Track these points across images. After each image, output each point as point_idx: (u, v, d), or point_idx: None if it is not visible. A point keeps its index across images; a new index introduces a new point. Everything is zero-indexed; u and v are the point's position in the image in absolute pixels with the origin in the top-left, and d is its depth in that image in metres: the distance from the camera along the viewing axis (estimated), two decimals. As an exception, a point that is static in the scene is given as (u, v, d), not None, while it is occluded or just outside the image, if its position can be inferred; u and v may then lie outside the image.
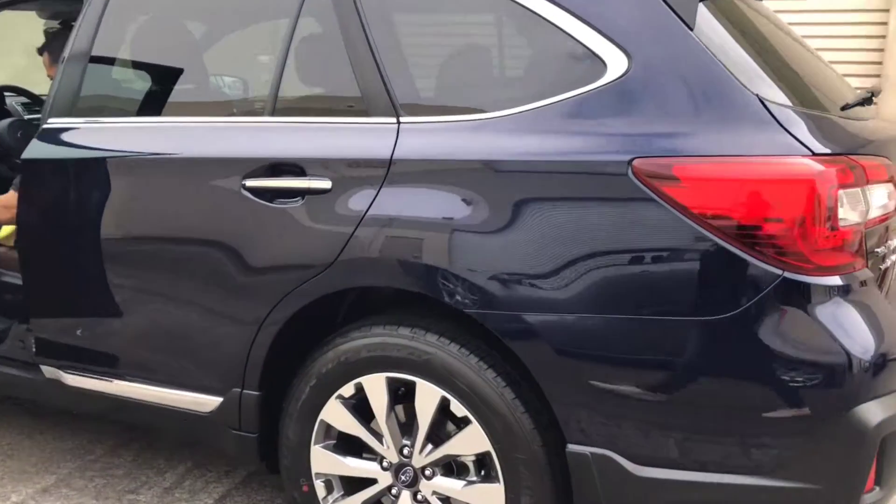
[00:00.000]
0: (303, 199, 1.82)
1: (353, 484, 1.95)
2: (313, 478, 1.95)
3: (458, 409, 1.76)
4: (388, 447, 1.86)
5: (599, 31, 1.64)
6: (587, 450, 1.64)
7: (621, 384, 1.60)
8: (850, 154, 1.56)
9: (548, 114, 1.66)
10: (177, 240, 2.01)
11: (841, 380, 1.49)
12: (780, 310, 1.49)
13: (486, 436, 1.74)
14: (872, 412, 1.49)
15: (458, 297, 1.69)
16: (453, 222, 1.69)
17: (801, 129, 1.52)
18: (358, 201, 1.77)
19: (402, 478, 1.87)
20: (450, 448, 1.80)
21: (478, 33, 1.87)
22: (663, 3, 1.62)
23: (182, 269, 1.99)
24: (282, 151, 1.87)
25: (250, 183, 1.87)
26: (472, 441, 1.77)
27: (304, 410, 1.93)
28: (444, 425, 1.84)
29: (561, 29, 1.68)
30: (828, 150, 1.51)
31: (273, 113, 1.93)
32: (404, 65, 1.84)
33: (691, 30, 1.60)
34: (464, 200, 1.68)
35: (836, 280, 1.50)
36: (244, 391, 1.98)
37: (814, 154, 1.49)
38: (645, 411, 1.60)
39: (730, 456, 1.56)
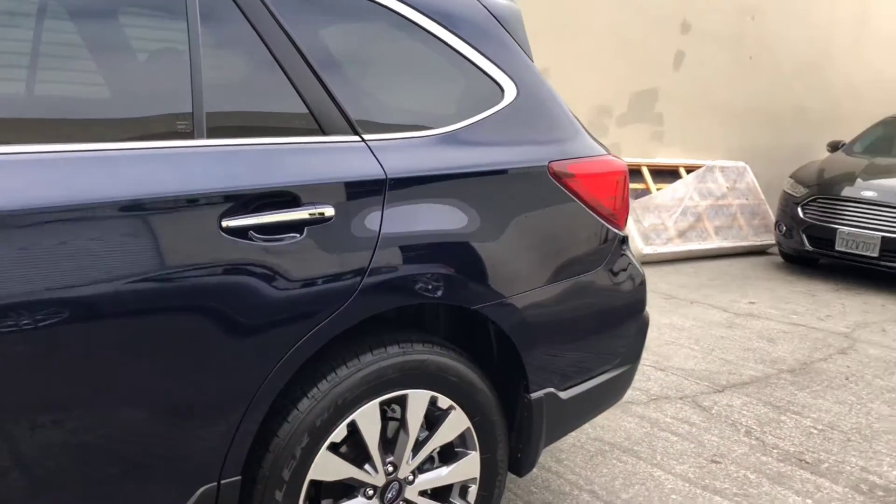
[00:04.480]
0: (301, 231, 1.58)
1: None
2: (300, 549, 1.72)
3: (443, 402, 1.89)
4: (378, 472, 1.82)
5: (495, 62, 2.02)
6: (541, 392, 2.07)
7: (561, 334, 2.08)
8: (606, 151, 2.40)
9: (478, 129, 1.94)
10: (120, 316, 1.38)
11: (644, 290, 2.36)
12: (619, 256, 2.25)
13: (465, 416, 1.94)
14: (647, 310, 2.42)
15: (472, 298, 1.84)
16: (457, 231, 1.81)
17: (590, 136, 2.28)
18: (369, 225, 1.67)
19: (389, 496, 1.86)
20: (435, 442, 1.91)
21: (408, 57, 1.88)
22: (514, 41, 2.10)
23: (122, 350, 1.40)
24: (263, 181, 1.54)
25: (230, 223, 1.49)
26: (454, 426, 1.94)
27: (294, 478, 1.67)
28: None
29: (469, 59, 1.97)
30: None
31: (207, 135, 1.53)
32: (347, 80, 1.75)
33: (532, 62, 2.14)
34: (457, 210, 1.82)
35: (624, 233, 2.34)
36: (222, 482, 1.56)
37: (609, 152, 2.27)
38: (569, 349, 2.12)
39: (606, 361, 2.25)
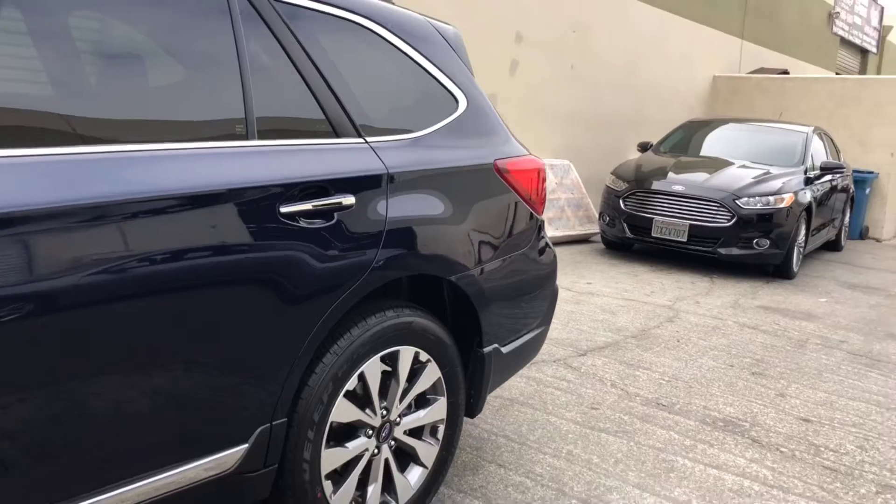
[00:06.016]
0: (332, 216, 1.93)
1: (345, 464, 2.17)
2: (322, 480, 2.06)
3: (423, 357, 2.31)
4: (376, 415, 2.20)
5: (450, 78, 2.45)
6: (490, 348, 2.53)
7: (504, 299, 2.55)
8: (524, 149, 2.90)
9: (442, 133, 2.37)
10: (188, 282, 1.66)
11: (556, 265, 2.89)
12: (540, 237, 2.77)
13: (437, 368, 2.37)
14: (556, 282, 2.96)
15: (449, 270, 2.27)
16: (437, 216, 2.23)
17: (515, 139, 2.77)
18: (379, 211, 2.04)
19: (383, 434, 2.25)
20: (417, 389, 2.32)
21: (390, 72, 2.25)
22: (458, 57, 2.55)
23: (206, 317, 1.70)
24: (306, 174, 1.88)
25: (286, 209, 1.82)
26: (430, 376, 2.36)
27: (321, 420, 2.02)
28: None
29: (432, 75, 2.39)
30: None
31: (259, 136, 1.85)
32: (350, 89, 2.11)
33: (473, 76, 2.60)
34: (435, 199, 2.24)
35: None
36: (274, 423, 1.89)
37: (530, 153, 2.78)
38: (509, 312, 2.60)
39: (531, 323, 2.76)
